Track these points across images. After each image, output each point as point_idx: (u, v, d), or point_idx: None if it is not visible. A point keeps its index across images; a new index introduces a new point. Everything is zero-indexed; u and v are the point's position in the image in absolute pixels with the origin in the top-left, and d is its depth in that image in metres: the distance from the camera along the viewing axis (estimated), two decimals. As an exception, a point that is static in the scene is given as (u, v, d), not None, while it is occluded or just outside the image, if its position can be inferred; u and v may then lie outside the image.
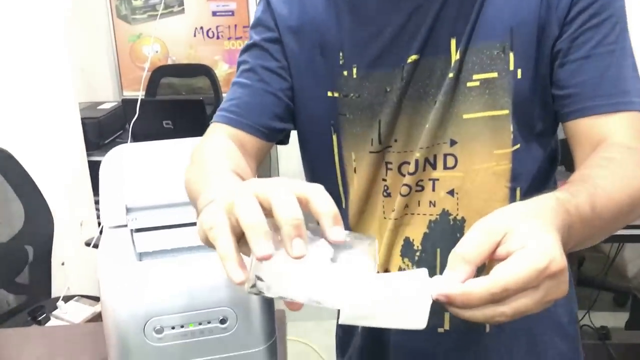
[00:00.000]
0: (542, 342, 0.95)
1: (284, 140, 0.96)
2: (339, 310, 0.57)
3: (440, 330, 0.89)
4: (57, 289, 2.03)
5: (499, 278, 0.52)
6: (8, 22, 2.18)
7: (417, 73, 0.83)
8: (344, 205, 0.93)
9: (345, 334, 1.06)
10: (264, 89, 0.90)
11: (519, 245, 0.53)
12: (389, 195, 0.87)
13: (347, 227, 0.92)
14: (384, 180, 0.87)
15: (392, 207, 0.87)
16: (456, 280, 0.54)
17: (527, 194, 0.85)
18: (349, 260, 0.56)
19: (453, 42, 0.81)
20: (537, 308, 0.54)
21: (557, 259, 0.53)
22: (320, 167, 0.94)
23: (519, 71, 0.81)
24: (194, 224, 0.94)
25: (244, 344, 0.89)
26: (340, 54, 0.86)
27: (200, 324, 0.86)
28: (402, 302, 0.55)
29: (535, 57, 0.81)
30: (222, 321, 0.87)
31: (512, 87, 0.81)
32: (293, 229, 0.50)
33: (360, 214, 0.92)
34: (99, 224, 2.07)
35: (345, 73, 0.86)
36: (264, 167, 3.21)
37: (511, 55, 0.80)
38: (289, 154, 3.24)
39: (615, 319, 2.56)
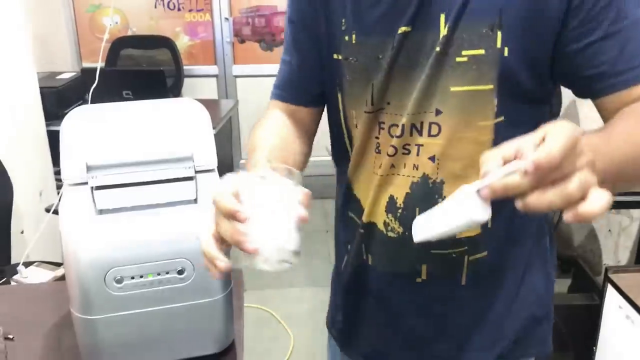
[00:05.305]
0: (517, 303, 1.01)
1: None
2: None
3: (418, 280, 0.96)
4: (16, 257, 2.04)
5: (559, 136, 0.56)
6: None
7: (408, 43, 0.87)
8: (349, 158, 1.01)
9: (336, 294, 1.15)
10: (300, 62, 1.01)
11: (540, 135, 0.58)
12: (379, 152, 0.95)
13: (350, 177, 1.01)
14: (377, 138, 0.94)
15: (380, 163, 0.94)
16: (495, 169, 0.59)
17: None
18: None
19: (442, 17, 0.85)
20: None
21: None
22: (333, 125, 1.03)
23: (506, 49, 0.83)
24: (152, 182, 0.99)
25: (201, 294, 0.94)
26: (343, 20, 0.93)
27: (158, 274, 0.91)
28: (453, 207, 0.63)
29: (526, 35, 0.82)
30: (180, 272, 0.92)
31: (498, 64, 0.84)
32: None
33: (357, 167, 1.00)
34: (59, 192, 2.07)
35: (346, 38, 0.92)
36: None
37: (499, 33, 0.82)
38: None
39: (559, 285, 2.67)
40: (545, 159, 0.55)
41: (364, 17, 0.90)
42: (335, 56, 0.95)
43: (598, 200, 0.57)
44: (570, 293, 2.57)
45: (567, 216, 0.58)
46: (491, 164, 0.60)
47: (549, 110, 0.94)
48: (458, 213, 0.63)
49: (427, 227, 0.67)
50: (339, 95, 0.97)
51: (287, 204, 0.71)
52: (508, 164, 0.59)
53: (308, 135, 1.05)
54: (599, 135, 0.74)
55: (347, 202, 1.03)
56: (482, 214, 0.61)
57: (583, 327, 2.13)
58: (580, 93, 0.88)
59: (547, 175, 0.56)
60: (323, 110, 1.06)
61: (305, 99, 1.03)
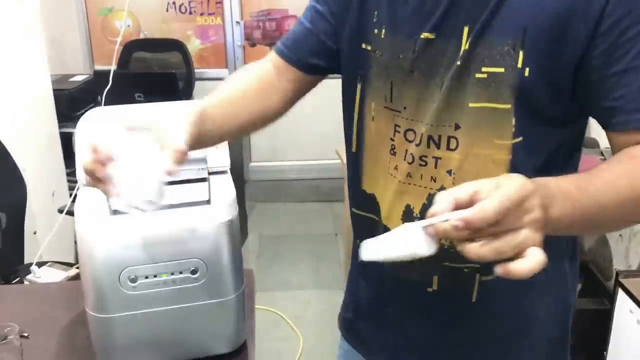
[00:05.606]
0: (531, 327, 0.99)
1: (323, 75, 1.08)
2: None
3: (429, 289, 0.96)
4: (29, 257, 2.06)
5: (503, 194, 0.60)
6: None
7: (430, 50, 0.87)
8: (354, 149, 1.02)
9: (350, 291, 1.15)
10: (309, 29, 1.03)
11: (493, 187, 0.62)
12: (394, 154, 0.95)
13: (360, 172, 1.01)
14: (392, 140, 0.94)
15: (395, 165, 0.94)
16: (442, 210, 0.62)
17: None
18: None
19: (466, 30, 0.84)
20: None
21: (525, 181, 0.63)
22: (346, 111, 1.04)
23: (527, 69, 0.81)
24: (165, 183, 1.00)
25: (213, 294, 0.95)
26: (375, 13, 0.93)
27: (172, 274, 0.92)
28: (401, 236, 0.68)
29: (548, 57, 0.80)
30: (193, 272, 0.93)
31: (517, 84, 0.81)
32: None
33: (373, 163, 0.99)
34: (71, 194, 2.09)
35: (375, 31, 0.93)
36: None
37: (521, 53, 0.80)
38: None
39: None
40: (478, 217, 0.60)
41: (394, 13, 0.90)
42: (363, 46, 0.95)
43: (530, 261, 0.61)
44: (580, 297, 2.55)
45: (498, 270, 0.62)
46: (441, 204, 0.63)
47: (575, 132, 0.92)
48: (404, 244, 0.67)
49: (375, 249, 0.70)
50: (359, 86, 0.97)
51: (156, 157, 0.76)
52: (454, 211, 0.62)
53: (288, 98, 1.06)
54: (579, 178, 0.74)
55: (357, 200, 1.03)
56: (426, 248, 0.66)
57: (594, 331, 2.12)
58: (600, 124, 0.85)
59: (483, 230, 0.61)
60: (313, 83, 1.07)
61: (299, 62, 1.04)
